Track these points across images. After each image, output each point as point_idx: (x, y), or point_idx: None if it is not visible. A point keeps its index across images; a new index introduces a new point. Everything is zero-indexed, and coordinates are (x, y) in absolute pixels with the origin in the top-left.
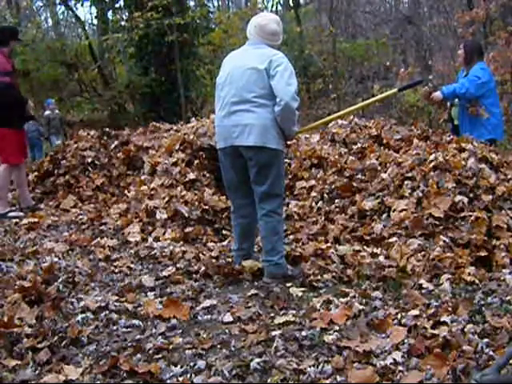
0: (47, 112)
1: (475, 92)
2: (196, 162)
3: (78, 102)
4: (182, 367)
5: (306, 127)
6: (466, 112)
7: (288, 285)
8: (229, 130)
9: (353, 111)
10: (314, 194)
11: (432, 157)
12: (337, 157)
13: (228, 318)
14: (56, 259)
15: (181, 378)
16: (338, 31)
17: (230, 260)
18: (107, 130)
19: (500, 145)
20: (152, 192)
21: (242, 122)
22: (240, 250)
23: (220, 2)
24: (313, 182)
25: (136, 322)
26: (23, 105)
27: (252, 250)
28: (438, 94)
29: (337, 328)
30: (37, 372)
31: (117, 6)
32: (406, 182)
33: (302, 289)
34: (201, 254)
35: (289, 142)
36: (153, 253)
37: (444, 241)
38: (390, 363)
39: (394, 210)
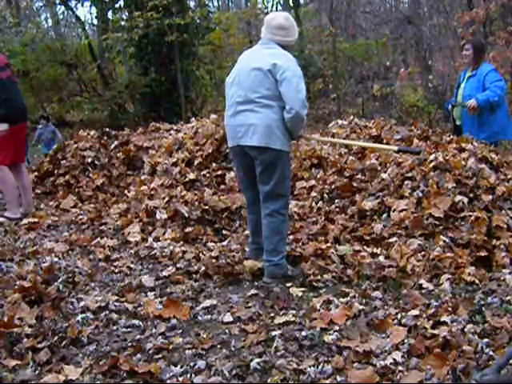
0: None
1: (503, 94)
2: (196, 162)
3: (77, 102)
4: (181, 367)
5: (312, 136)
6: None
7: (288, 285)
8: (235, 130)
9: (354, 145)
10: (314, 193)
11: (432, 157)
12: (337, 157)
13: (228, 317)
14: (56, 259)
15: (181, 378)
16: (337, 31)
17: (230, 260)
18: (107, 130)
19: (500, 145)
20: (152, 192)
21: (247, 122)
22: (253, 244)
23: (220, 2)
24: (313, 182)
25: (136, 322)
26: None
27: None
28: (472, 101)
29: (337, 328)
30: (37, 372)
31: (117, 6)
32: (405, 182)
33: (302, 289)
34: (201, 254)
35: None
36: (153, 253)
37: (444, 241)
38: (390, 363)
39: (394, 210)
